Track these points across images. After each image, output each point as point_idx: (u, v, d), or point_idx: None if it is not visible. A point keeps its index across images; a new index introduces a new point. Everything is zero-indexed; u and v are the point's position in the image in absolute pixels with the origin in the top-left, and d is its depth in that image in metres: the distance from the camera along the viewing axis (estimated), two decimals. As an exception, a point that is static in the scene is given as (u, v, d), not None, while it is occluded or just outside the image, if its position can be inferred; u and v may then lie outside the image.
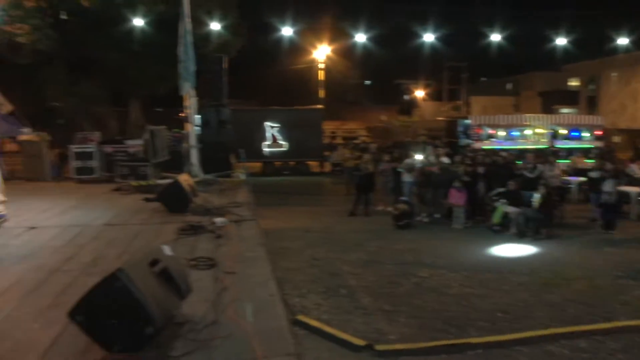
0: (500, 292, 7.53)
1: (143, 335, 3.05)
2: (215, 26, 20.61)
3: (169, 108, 26.54)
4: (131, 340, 3.05)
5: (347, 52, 35.35)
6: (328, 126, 26.79)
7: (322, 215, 13.93)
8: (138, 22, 18.56)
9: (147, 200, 8.60)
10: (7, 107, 16.96)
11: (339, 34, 33.57)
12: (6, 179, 12.73)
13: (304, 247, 10.34)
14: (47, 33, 17.75)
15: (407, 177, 13.49)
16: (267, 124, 22.43)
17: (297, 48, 33.83)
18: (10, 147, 16.85)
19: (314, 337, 5.89)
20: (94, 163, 12.50)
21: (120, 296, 2.99)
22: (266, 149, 22.57)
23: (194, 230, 6.18)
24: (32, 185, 11.75)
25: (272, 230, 10.65)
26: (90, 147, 12.68)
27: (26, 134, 13.68)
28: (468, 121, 20.09)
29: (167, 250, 3.64)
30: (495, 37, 30.71)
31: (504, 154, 15.73)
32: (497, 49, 31.18)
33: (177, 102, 20.45)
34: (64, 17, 18.59)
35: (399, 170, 13.87)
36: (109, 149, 12.90)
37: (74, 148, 12.65)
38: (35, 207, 8.57)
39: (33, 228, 6.78)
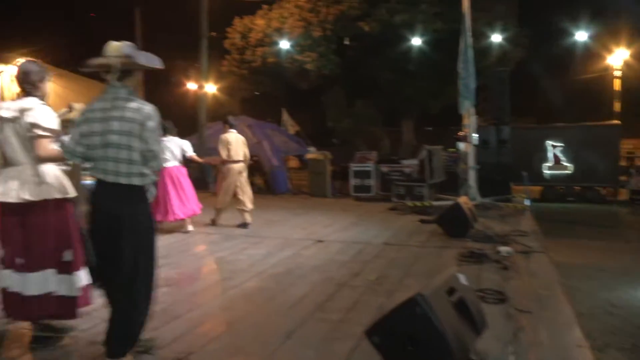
0: None
1: (440, 368, 2.79)
2: (495, 38, 19.13)
3: (439, 127, 26.44)
4: (428, 371, 2.83)
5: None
6: (625, 145, 22.86)
7: (619, 252, 11.91)
8: (415, 41, 18.58)
9: (424, 222, 8.50)
10: (295, 128, 19.30)
11: None
12: (293, 194, 14.34)
13: (598, 289, 8.88)
14: (330, 58, 19.43)
15: None
16: (549, 142, 20.39)
17: (585, 55, 29.47)
18: (293, 163, 18.97)
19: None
20: (371, 182, 13.13)
21: (419, 323, 2.80)
22: (547, 172, 20.40)
23: (477, 258, 5.76)
24: (314, 201, 12.81)
25: (556, 265, 9.52)
26: (368, 166, 13.35)
27: (312, 153, 15.20)
28: None
29: (462, 279, 3.33)
30: None
31: None
32: None
33: (448, 120, 20.15)
34: (346, 42, 20.09)
35: None
36: (385, 168, 13.38)
37: (353, 166, 13.47)
38: (319, 221, 9.27)
39: (320, 241, 7.24)
